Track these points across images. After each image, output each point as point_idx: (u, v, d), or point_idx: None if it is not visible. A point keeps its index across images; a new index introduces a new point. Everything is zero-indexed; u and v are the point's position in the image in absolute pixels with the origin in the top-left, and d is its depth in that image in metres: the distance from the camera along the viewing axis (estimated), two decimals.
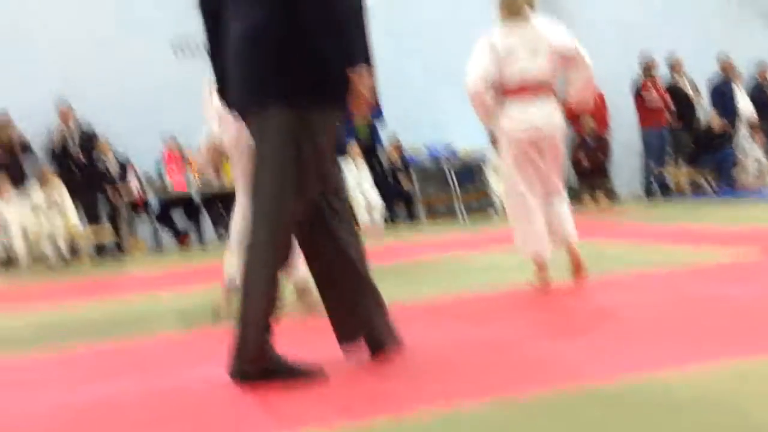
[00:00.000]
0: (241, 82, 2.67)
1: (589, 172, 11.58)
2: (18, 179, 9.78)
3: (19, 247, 9.31)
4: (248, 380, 2.65)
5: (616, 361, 2.62)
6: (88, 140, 10.27)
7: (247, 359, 2.67)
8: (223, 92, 2.84)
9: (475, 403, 2.28)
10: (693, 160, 11.92)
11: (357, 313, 2.86)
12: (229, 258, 4.11)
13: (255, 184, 2.68)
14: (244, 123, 2.78)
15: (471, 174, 11.74)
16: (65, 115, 10.18)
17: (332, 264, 2.84)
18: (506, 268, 5.07)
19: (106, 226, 10.17)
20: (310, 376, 2.68)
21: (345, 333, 2.90)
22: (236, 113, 2.79)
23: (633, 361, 2.56)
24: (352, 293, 2.86)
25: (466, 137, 11.25)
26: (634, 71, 11.73)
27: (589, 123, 11.66)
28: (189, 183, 10.16)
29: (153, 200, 10.58)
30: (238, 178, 4.17)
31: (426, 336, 3.33)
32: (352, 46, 2.60)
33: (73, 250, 9.79)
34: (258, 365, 2.66)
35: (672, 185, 11.89)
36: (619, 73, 11.36)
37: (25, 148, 10.05)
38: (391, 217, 11.11)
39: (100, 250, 10.13)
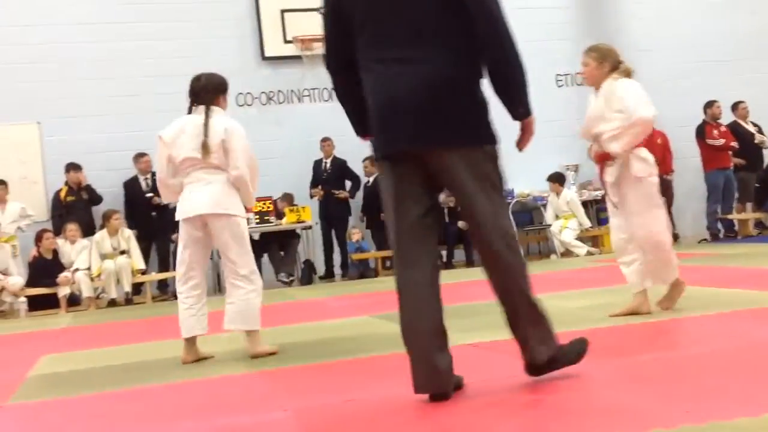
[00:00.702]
0: (438, 120, 2.87)
1: None
2: (88, 226, 10.14)
3: (85, 287, 9.58)
4: (559, 367, 3.01)
5: (686, 406, 2.57)
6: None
7: (559, 348, 3.01)
8: (363, 132, 3.11)
9: None
10: (759, 203, 11.67)
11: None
12: None
13: (498, 204, 2.97)
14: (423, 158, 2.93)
15: (530, 216, 11.68)
16: (144, 163, 10.52)
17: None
18: (567, 312, 5.01)
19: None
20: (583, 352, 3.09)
21: None
22: (407, 148, 2.92)
23: (700, 408, 2.51)
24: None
25: (525, 181, 11.24)
26: (698, 115, 11.61)
27: None
28: (248, 222, 10.32)
29: None
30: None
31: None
32: (525, 92, 2.99)
33: (137, 291, 10.06)
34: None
35: (738, 228, 11.63)
36: (683, 116, 11.27)
37: (95, 196, 10.41)
38: (448, 259, 11.09)
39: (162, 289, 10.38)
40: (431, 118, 2.85)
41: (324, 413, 3.01)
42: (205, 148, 4.47)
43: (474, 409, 2.87)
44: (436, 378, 2.90)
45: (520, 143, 3.04)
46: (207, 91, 4.61)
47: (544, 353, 2.96)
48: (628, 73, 4.57)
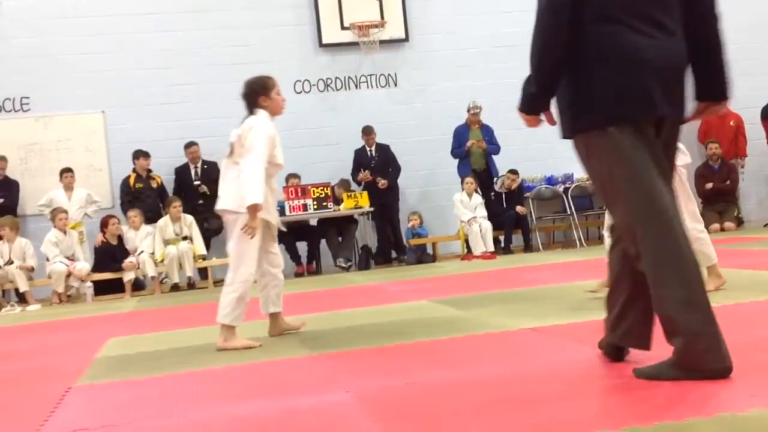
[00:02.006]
0: (683, 94, 2.86)
1: (714, 197, 11.18)
2: (152, 213, 10.39)
3: (149, 268, 9.80)
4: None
5: (747, 390, 2.52)
6: (212, 174, 10.78)
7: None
8: (545, 104, 2.95)
9: None
10: None
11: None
12: None
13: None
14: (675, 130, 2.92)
15: (589, 201, 11.53)
16: (194, 153, 10.76)
17: None
18: None
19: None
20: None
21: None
22: (671, 113, 2.85)
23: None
24: None
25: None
26: (764, 96, 11.29)
27: (714, 148, 11.29)
28: (307, 208, 10.41)
29: None
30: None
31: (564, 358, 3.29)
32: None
33: (201, 277, 10.26)
34: None
35: None
36: (748, 97, 10.97)
37: (157, 184, 10.66)
38: (506, 245, 11.02)
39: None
40: (685, 89, 2.87)
41: (386, 395, 3.03)
42: (230, 147, 4.80)
43: (540, 394, 2.86)
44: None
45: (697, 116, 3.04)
46: (247, 97, 4.87)
47: None
48: None
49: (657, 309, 2.71)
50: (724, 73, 2.93)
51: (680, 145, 4.41)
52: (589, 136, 2.82)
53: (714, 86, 2.92)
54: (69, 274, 9.68)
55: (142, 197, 10.50)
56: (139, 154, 10.57)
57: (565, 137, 2.91)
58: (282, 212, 10.47)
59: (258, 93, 4.81)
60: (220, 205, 4.76)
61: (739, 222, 11.26)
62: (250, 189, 4.52)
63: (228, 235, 4.81)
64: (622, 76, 2.74)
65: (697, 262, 2.71)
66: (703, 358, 2.59)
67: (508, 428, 2.42)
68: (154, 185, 10.66)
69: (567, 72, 2.83)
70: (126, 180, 10.64)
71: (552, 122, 2.96)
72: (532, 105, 2.94)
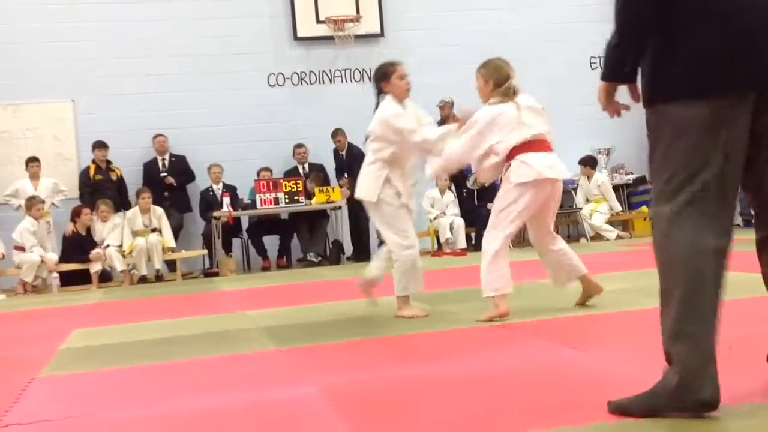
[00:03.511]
0: None
1: None
2: (119, 205, 10.32)
3: (117, 262, 9.71)
4: None
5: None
6: (179, 166, 10.74)
7: None
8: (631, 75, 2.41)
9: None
10: None
11: None
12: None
13: None
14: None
15: (570, 196, 11.58)
16: (161, 144, 10.72)
17: None
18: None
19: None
20: None
21: None
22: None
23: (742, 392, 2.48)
24: None
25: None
26: None
27: None
28: (278, 202, 10.36)
29: (245, 221, 10.89)
30: None
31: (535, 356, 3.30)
32: None
33: (169, 269, 10.18)
34: None
35: None
36: None
37: (117, 176, 10.57)
38: (478, 241, 11.05)
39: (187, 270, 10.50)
40: None
41: (352, 389, 3.03)
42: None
43: (506, 389, 2.87)
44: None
45: None
46: (374, 82, 5.01)
47: None
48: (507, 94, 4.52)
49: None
50: None
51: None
52: (656, 109, 2.34)
53: None
54: (41, 263, 9.55)
55: (102, 189, 10.37)
56: (97, 145, 10.44)
57: (644, 107, 2.40)
58: (253, 205, 10.43)
59: (379, 79, 4.95)
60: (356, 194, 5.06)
61: None
62: (362, 183, 4.91)
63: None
64: (707, 35, 2.25)
65: (713, 293, 2.25)
66: (698, 390, 2.22)
67: (467, 423, 2.42)
68: (114, 177, 10.54)
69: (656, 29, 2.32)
70: (85, 171, 10.52)
71: (637, 98, 2.44)
72: (611, 68, 2.41)
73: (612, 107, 2.47)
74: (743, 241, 2.54)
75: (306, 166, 11.06)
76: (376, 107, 4.95)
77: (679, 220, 2.26)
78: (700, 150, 2.24)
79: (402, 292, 4.87)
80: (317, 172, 10.94)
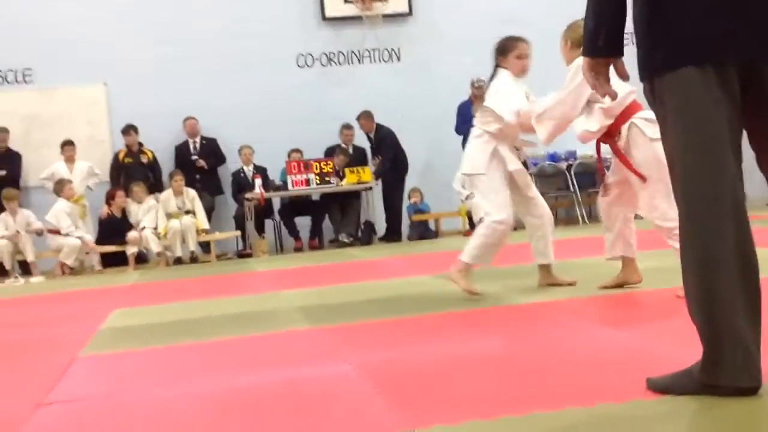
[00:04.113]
0: None
1: None
2: (153, 187, 10.43)
3: (153, 244, 9.83)
4: None
5: None
6: (210, 149, 10.82)
7: None
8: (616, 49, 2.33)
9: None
10: None
11: None
12: None
13: None
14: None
15: (593, 178, 11.50)
16: (192, 127, 10.76)
17: None
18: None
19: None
20: None
21: None
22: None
23: None
24: None
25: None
26: None
27: None
28: (309, 183, 10.41)
29: (276, 203, 10.95)
30: None
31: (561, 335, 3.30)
32: None
33: (203, 251, 10.29)
34: None
35: None
36: None
37: (148, 159, 10.66)
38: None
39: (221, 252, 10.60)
40: None
41: (387, 367, 3.05)
42: (478, 101, 4.88)
43: (544, 367, 2.88)
44: None
45: None
46: (494, 55, 4.88)
47: None
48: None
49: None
50: None
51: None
52: (653, 80, 2.25)
53: None
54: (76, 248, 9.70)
55: (132, 172, 10.48)
56: (127, 129, 10.56)
57: (642, 81, 2.32)
58: (285, 187, 10.48)
59: (498, 54, 4.87)
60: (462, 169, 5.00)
61: None
62: (469, 156, 4.84)
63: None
64: (677, 6, 2.17)
65: (747, 264, 2.18)
66: (721, 372, 2.17)
67: (505, 399, 2.43)
68: (144, 160, 10.64)
69: None
70: (116, 155, 10.66)
71: (624, 75, 2.36)
72: (586, 42, 2.34)
73: (603, 87, 2.37)
74: None
75: (350, 147, 11.06)
76: (490, 79, 4.89)
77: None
78: (703, 122, 2.17)
79: (471, 260, 4.70)
80: (343, 149, 10.93)
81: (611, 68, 2.36)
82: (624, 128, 4.23)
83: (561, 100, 4.29)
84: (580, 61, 4.13)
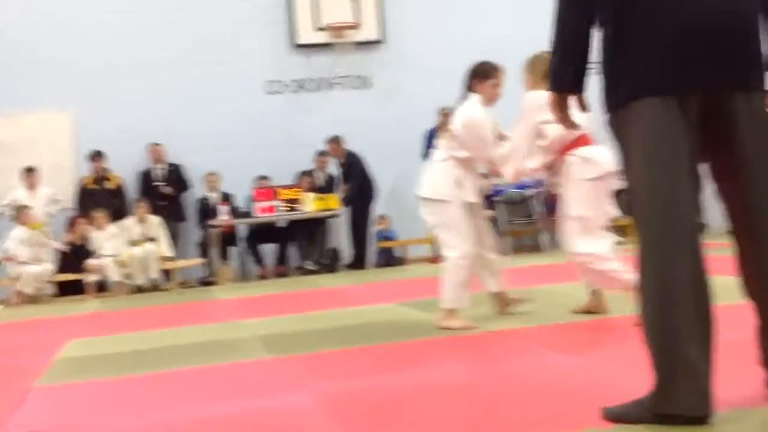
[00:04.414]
0: (746, 56, 2.28)
1: None
2: (119, 214, 10.26)
3: (113, 273, 9.70)
4: None
5: None
6: (175, 175, 10.75)
7: None
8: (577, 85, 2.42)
9: None
10: None
11: None
12: None
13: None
14: (713, 101, 2.27)
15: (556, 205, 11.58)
16: (156, 153, 10.72)
17: None
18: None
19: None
20: None
21: None
22: (709, 89, 2.27)
23: (736, 395, 2.48)
24: None
25: None
26: None
27: None
28: (276, 210, 10.35)
29: (242, 230, 10.88)
30: None
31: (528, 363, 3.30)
32: None
33: (165, 278, 10.17)
34: None
35: None
36: None
37: (114, 186, 10.55)
38: None
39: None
40: (747, 54, 2.28)
41: (348, 397, 3.02)
42: (444, 128, 4.84)
43: (502, 396, 2.87)
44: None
45: None
46: (468, 77, 4.79)
47: None
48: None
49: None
50: None
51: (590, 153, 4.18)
52: (616, 112, 2.33)
53: None
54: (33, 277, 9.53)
55: (96, 198, 10.36)
56: (94, 155, 10.45)
57: (606, 113, 2.41)
58: (251, 214, 10.43)
59: (474, 77, 4.77)
60: (420, 192, 4.84)
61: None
62: (430, 180, 4.75)
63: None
64: (646, 40, 2.25)
65: (701, 293, 2.22)
66: (674, 401, 2.19)
67: (463, 430, 2.42)
68: (110, 186, 10.54)
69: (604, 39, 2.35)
70: (82, 181, 10.55)
71: (585, 108, 2.45)
72: (552, 79, 2.44)
73: (566, 120, 2.46)
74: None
75: (324, 174, 11.03)
76: (460, 102, 4.78)
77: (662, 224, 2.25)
78: (664, 152, 2.23)
79: (451, 305, 4.57)
80: (310, 176, 10.91)
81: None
82: (560, 164, 4.32)
83: (520, 135, 4.39)
84: (530, 98, 4.29)
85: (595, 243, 4.20)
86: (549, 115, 4.00)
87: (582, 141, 4.28)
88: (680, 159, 2.23)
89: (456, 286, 4.58)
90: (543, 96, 4.11)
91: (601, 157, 4.24)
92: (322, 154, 10.96)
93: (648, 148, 2.24)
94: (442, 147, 4.78)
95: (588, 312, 4.57)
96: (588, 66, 2.38)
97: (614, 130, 2.36)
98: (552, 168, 4.39)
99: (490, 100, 4.73)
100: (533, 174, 4.51)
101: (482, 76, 4.72)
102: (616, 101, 2.33)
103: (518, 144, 4.43)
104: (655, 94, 2.23)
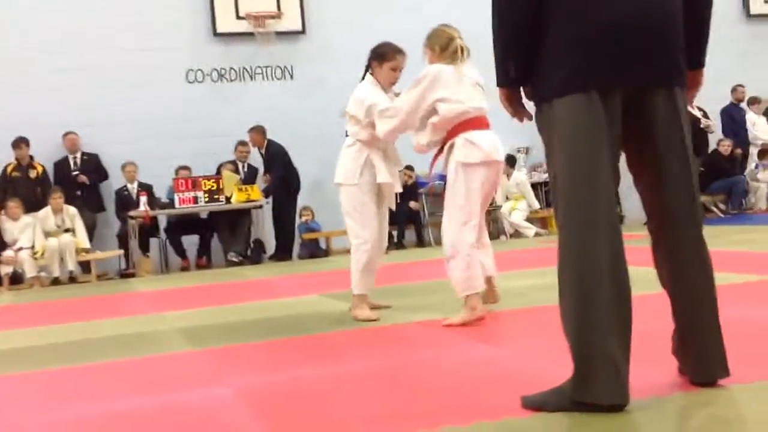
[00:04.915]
0: (668, 54, 2.35)
1: None
2: (32, 204, 9.89)
3: (28, 266, 9.38)
4: None
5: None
6: (92, 165, 10.47)
7: None
8: (522, 78, 2.45)
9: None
10: (704, 186, 11.92)
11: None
12: None
13: (694, 170, 2.45)
14: (646, 96, 2.35)
15: None
16: (72, 142, 10.41)
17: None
18: (515, 291, 5.06)
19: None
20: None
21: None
22: (641, 85, 2.34)
23: (651, 383, 2.54)
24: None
25: None
26: None
27: None
28: (197, 201, 10.17)
29: (162, 221, 10.67)
30: None
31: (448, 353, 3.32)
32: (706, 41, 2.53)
33: (83, 270, 9.90)
34: None
35: None
36: None
37: (37, 174, 10.21)
38: (399, 240, 11.09)
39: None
40: (670, 51, 2.36)
41: (268, 390, 2.99)
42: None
43: (422, 386, 2.88)
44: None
45: (690, 97, 2.54)
46: (368, 57, 4.74)
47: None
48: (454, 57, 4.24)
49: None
50: (701, 38, 2.50)
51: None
52: (542, 106, 2.40)
53: (693, 52, 2.47)
54: None
55: (17, 186, 10.01)
56: (18, 142, 10.09)
57: (535, 106, 2.47)
58: (172, 204, 10.23)
59: (373, 58, 4.71)
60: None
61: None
62: (341, 166, 4.74)
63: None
64: (568, 37, 2.31)
65: (620, 284, 2.28)
66: (592, 389, 2.23)
67: (382, 420, 2.42)
68: (33, 174, 10.19)
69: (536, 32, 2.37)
70: (4, 168, 10.16)
71: (531, 98, 2.47)
72: (498, 74, 2.47)
73: (518, 113, 2.51)
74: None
75: (245, 164, 10.88)
76: (362, 79, 4.73)
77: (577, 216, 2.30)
78: (587, 146, 2.28)
79: (358, 290, 4.62)
80: (234, 165, 10.76)
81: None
82: (448, 144, 4.20)
83: (402, 103, 4.30)
84: (429, 70, 4.23)
85: (458, 234, 4.09)
86: (444, 92, 4.12)
87: (474, 123, 4.16)
88: (600, 154, 2.28)
89: (359, 271, 4.60)
90: (441, 68, 4.18)
91: (487, 143, 4.13)
92: (242, 144, 10.82)
93: (570, 143, 2.30)
94: (349, 133, 4.75)
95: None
96: (530, 58, 2.39)
97: (539, 123, 2.41)
98: (441, 148, 4.26)
99: (387, 83, 4.68)
100: (421, 149, 4.34)
101: (380, 58, 4.68)
102: (542, 95, 2.38)
103: (398, 108, 4.32)
104: (579, 90, 2.28)
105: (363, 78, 4.75)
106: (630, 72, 2.31)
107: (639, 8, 2.30)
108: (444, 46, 4.28)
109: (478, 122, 4.19)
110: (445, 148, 4.21)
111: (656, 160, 2.39)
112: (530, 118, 2.54)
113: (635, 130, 2.37)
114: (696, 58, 2.49)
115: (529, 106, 2.51)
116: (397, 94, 4.63)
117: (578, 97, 2.28)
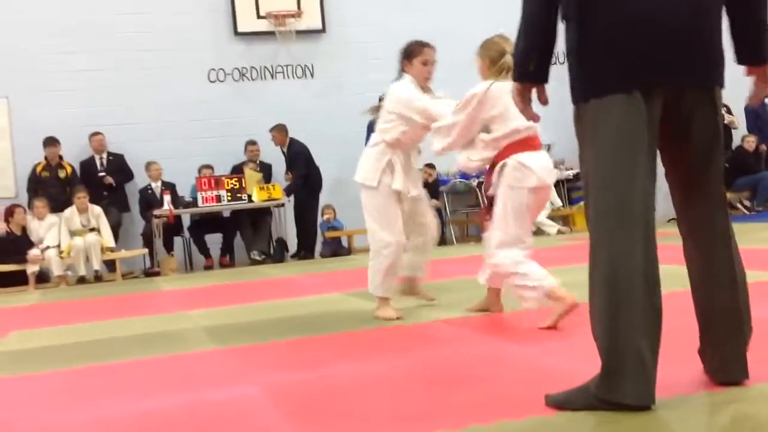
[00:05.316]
0: (709, 53, 2.33)
1: None
2: (61, 203, 9.99)
3: (54, 265, 9.49)
4: None
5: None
6: (117, 165, 10.56)
7: None
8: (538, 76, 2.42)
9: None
10: (728, 183, 11.83)
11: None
12: None
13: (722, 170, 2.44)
14: (675, 95, 2.32)
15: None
16: (98, 142, 10.52)
17: None
18: None
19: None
20: None
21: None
22: (670, 84, 2.31)
23: (676, 381, 2.54)
24: None
25: None
26: None
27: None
28: (220, 200, 10.24)
29: (186, 220, 10.75)
30: None
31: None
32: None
33: (109, 269, 9.99)
34: None
35: None
36: None
37: (66, 174, 10.31)
38: None
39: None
40: (709, 50, 2.34)
41: (295, 388, 3.02)
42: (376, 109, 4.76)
43: (447, 384, 2.89)
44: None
45: (756, 96, 2.49)
46: (399, 58, 4.74)
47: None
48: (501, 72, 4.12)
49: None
50: (759, 34, 2.38)
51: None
52: (581, 104, 2.37)
53: (750, 50, 2.40)
54: None
55: (46, 186, 10.13)
56: (48, 142, 10.21)
57: (573, 104, 2.43)
58: (195, 203, 10.30)
59: (402, 58, 4.71)
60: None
61: None
62: (362, 165, 4.74)
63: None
64: (609, 37, 2.28)
65: (653, 287, 2.27)
66: (619, 388, 2.23)
67: (407, 419, 2.43)
68: (62, 174, 10.30)
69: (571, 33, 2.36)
70: (34, 168, 10.28)
71: (544, 101, 2.45)
72: (517, 68, 2.45)
73: (528, 111, 2.47)
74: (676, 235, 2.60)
75: (257, 163, 10.95)
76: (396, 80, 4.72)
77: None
78: (626, 146, 2.27)
79: (380, 293, 4.59)
80: (251, 159, 10.81)
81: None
82: (499, 165, 4.08)
83: (457, 123, 4.17)
84: (475, 91, 4.17)
85: (511, 254, 4.03)
86: (494, 110, 4.07)
87: (526, 144, 4.07)
88: (640, 153, 2.27)
89: (379, 273, 4.57)
90: (497, 88, 4.03)
91: (539, 167, 4.05)
92: (251, 143, 10.85)
93: (608, 144, 2.28)
94: (377, 131, 4.73)
95: (482, 311, 4.47)
96: (551, 57, 2.40)
97: (577, 123, 2.39)
98: (492, 167, 4.16)
99: (421, 78, 4.64)
100: (470, 167, 4.34)
101: (409, 56, 4.68)
102: (581, 96, 2.36)
103: (454, 128, 4.20)
104: (622, 90, 2.27)
105: (397, 78, 4.71)
106: (672, 72, 2.29)
107: (676, 7, 2.28)
108: (495, 59, 4.16)
109: (530, 143, 4.09)
110: (497, 168, 4.10)
111: (686, 157, 2.39)
112: (537, 120, 2.54)
113: (672, 129, 2.36)
114: (760, 54, 2.40)
115: (537, 109, 2.49)
116: (438, 97, 4.60)
117: (618, 98, 2.27)
